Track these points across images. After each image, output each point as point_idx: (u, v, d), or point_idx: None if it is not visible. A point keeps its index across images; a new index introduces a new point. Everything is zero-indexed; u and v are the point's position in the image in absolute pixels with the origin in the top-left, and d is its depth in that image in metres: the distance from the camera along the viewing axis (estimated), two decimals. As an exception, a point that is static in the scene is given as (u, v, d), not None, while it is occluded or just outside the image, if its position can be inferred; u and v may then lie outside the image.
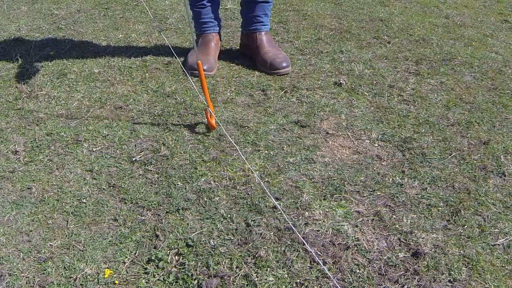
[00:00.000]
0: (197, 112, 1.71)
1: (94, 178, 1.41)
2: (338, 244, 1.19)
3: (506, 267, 1.14)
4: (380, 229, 1.24)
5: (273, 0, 2.07)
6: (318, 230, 1.22)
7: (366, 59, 2.10)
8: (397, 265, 1.14)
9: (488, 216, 1.29)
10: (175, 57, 2.09)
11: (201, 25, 2.07)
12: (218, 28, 2.09)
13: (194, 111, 1.71)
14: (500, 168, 1.46)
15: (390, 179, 1.41)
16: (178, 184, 1.38)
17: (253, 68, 2.02)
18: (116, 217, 1.28)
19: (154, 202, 1.32)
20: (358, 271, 1.12)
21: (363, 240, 1.20)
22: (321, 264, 1.11)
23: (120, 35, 2.33)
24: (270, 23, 2.09)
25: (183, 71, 1.98)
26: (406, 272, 1.12)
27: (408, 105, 1.77)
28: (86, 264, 1.15)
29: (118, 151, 1.52)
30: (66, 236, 1.23)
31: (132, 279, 1.11)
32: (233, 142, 1.47)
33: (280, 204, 1.30)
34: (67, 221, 1.27)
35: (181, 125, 1.64)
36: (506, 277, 1.12)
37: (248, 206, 1.30)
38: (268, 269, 1.12)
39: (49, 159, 1.49)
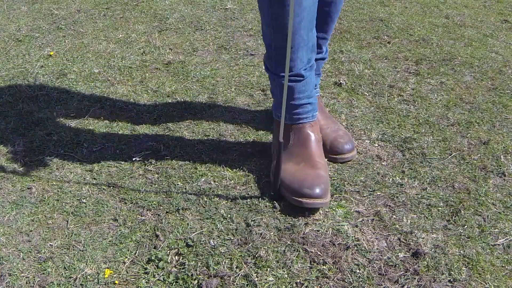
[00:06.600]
0: (197, 112, 1.71)
1: (94, 178, 1.41)
2: (338, 244, 1.19)
3: (506, 267, 1.14)
4: (380, 229, 1.24)
5: (328, 57, 1.59)
6: (318, 230, 1.22)
7: (366, 59, 2.10)
8: (397, 265, 1.14)
9: (488, 216, 1.29)
10: (175, 57, 2.09)
11: (293, 109, 1.31)
12: (317, 109, 1.37)
13: (194, 111, 1.71)
14: (500, 168, 1.46)
15: (390, 179, 1.41)
16: (178, 184, 1.38)
17: (252, 68, 2.02)
18: (116, 217, 1.28)
19: (154, 202, 1.32)
20: (358, 271, 1.12)
21: (363, 240, 1.20)
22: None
23: (120, 35, 2.33)
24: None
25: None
26: (406, 272, 1.12)
27: (408, 105, 1.77)
28: (86, 264, 1.15)
29: (118, 151, 1.52)
30: (66, 236, 1.23)
31: (132, 279, 1.11)
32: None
33: (280, 204, 1.30)
34: (67, 221, 1.27)
35: (181, 125, 1.64)
36: (506, 277, 1.12)
37: (248, 206, 1.30)
38: (268, 269, 1.12)
39: (49, 159, 1.49)
